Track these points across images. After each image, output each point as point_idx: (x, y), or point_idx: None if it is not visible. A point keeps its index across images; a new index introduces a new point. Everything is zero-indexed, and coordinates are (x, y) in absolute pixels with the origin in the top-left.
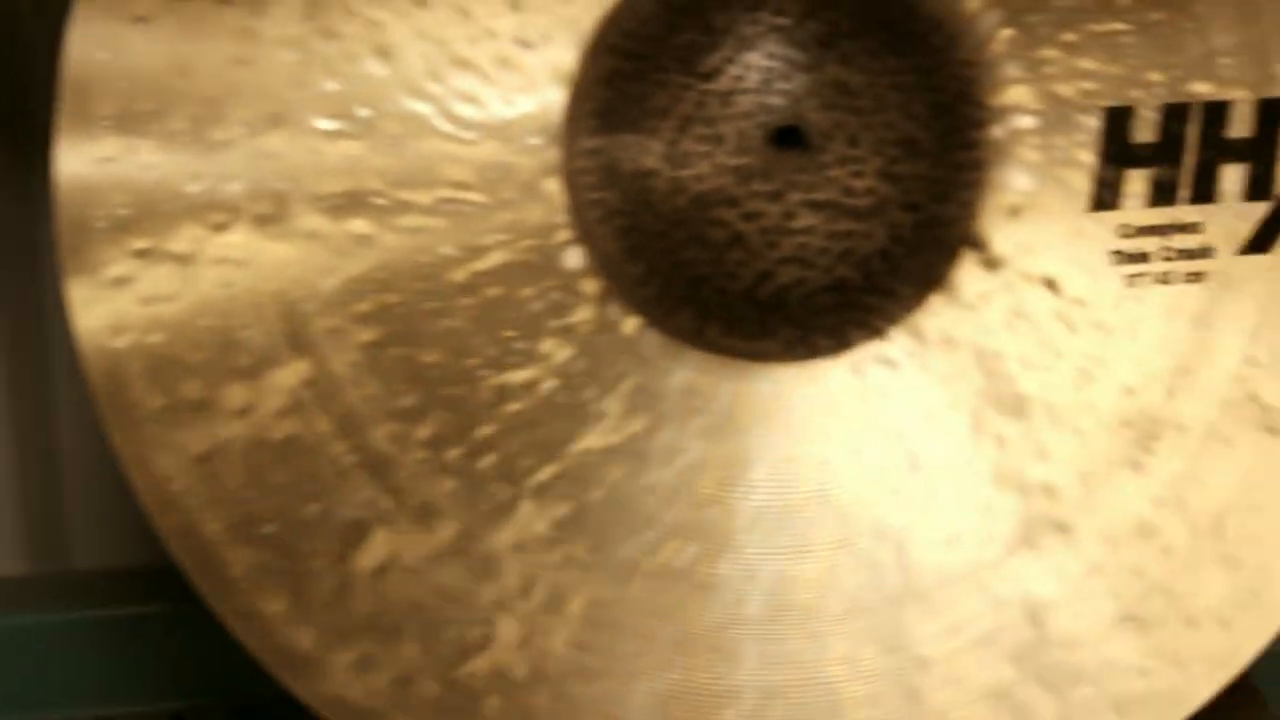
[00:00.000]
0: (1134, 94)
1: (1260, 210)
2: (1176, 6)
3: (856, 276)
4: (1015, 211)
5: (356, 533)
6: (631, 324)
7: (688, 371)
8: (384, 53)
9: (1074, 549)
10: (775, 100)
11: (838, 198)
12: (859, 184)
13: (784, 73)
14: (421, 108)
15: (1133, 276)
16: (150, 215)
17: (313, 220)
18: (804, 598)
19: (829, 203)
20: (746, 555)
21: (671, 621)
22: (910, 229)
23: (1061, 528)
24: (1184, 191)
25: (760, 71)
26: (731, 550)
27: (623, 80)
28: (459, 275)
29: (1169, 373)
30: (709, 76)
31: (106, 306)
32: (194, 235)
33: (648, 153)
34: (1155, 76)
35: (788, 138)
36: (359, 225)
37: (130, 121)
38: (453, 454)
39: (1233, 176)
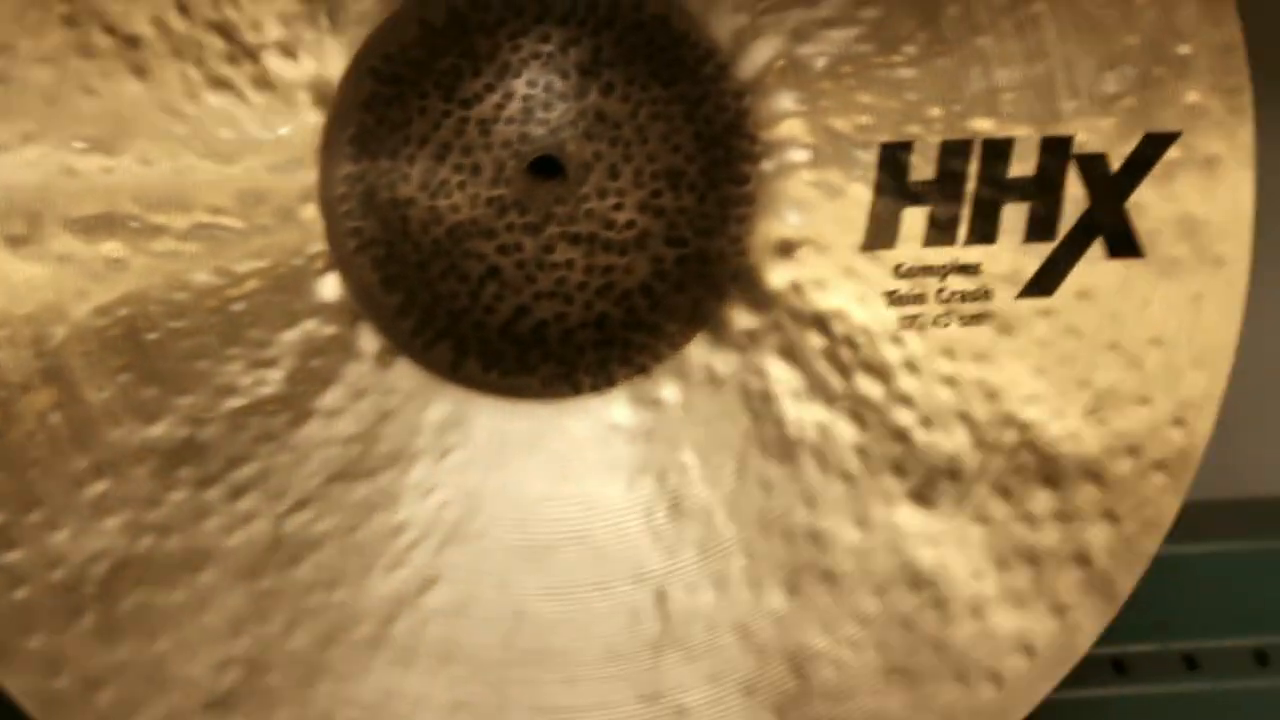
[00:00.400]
0: (912, 129)
1: (1043, 251)
2: (958, 41)
3: (618, 312)
4: (787, 248)
5: (109, 566)
6: (388, 356)
7: (445, 406)
8: (141, 71)
9: (841, 598)
10: (535, 129)
11: (597, 231)
12: (619, 217)
13: (546, 101)
14: (178, 128)
15: (909, 317)
16: None
17: (65, 242)
18: (560, 641)
19: (588, 236)
20: (502, 596)
21: (426, 662)
22: (675, 264)
23: (828, 576)
24: (963, 231)
25: (522, 100)
26: (487, 590)
27: (382, 105)
28: (212, 302)
29: (945, 418)
30: (469, 103)
31: None
32: None
33: (405, 180)
34: (935, 112)
35: (546, 168)
36: (112, 248)
37: None
38: (206, 487)
39: (1014, 216)
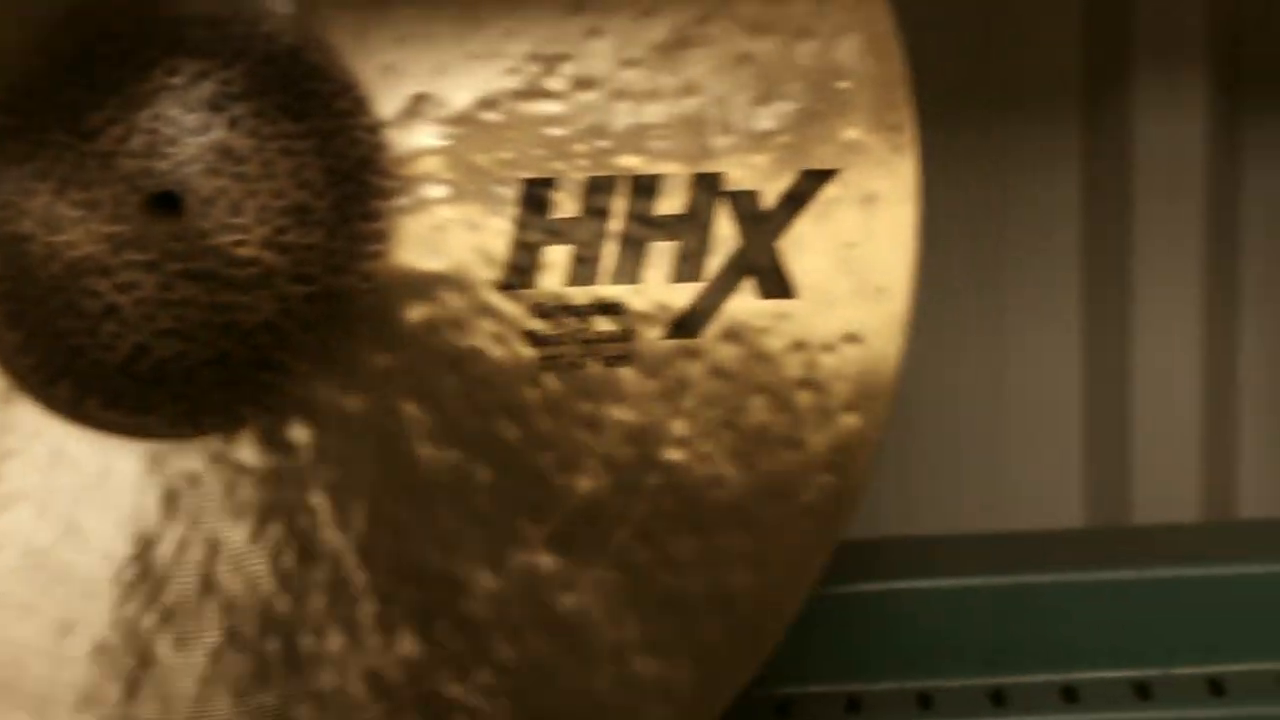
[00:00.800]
0: (556, 166)
1: (691, 291)
2: (608, 77)
3: (243, 351)
4: (422, 286)
5: None
6: (8, 394)
7: (66, 445)
8: None
9: (476, 644)
10: (158, 165)
11: (218, 268)
12: (242, 254)
13: (171, 136)
14: None
15: (549, 358)
16: None
17: None
18: (188, 687)
19: (209, 273)
20: (127, 642)
21: (51, 708)
22: (302, 302)
23: (463, 622)
24: (608, 269)
25: (146, 134)
26: (109, 634)
27: (4, 137)
28: None
29: (586, 461)
30: (90, 137)
31: None
32: None
33: (25, 216)
34: (581, 148)
35: (166, 204)
36: None
37: None
38: None
39: (661, 254)
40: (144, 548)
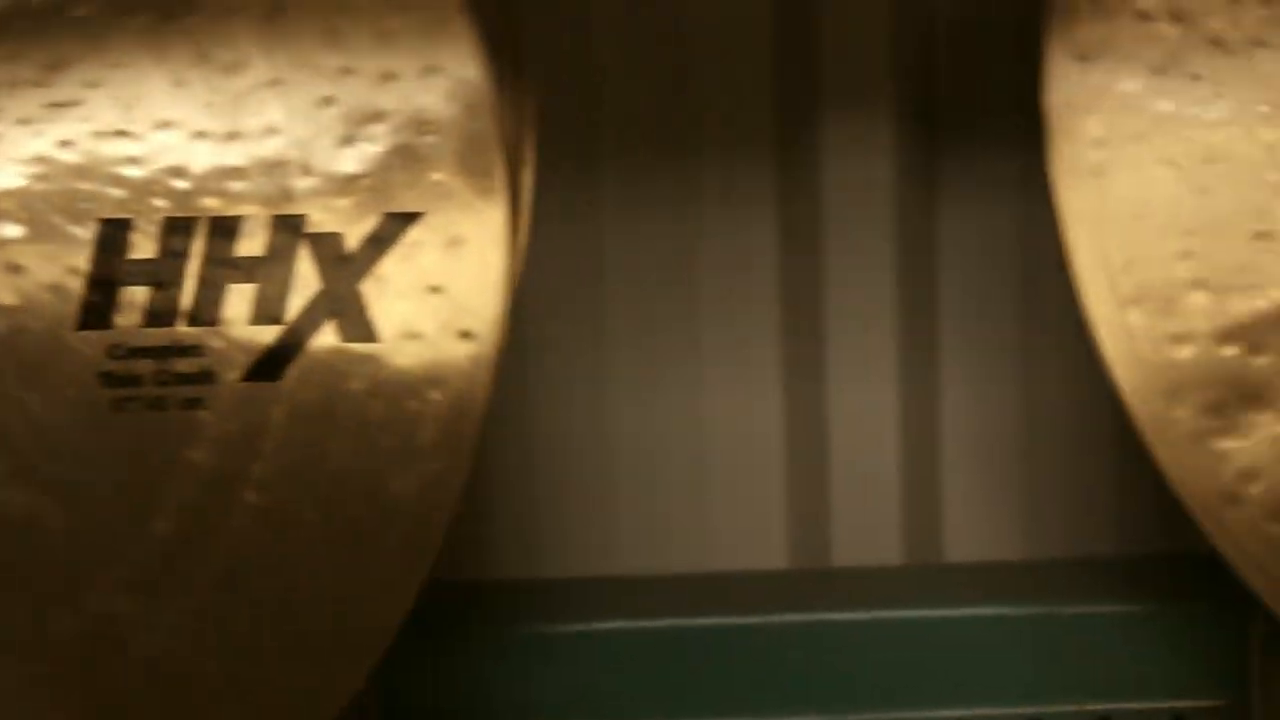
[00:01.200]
0: (134, 206)
1: (270, 334)
2: (184, 117)
3: None
4: None
5: None
6: None
7: None
8: None
9: (54, 688)
10: None
11: None
12: None
13: None
14: None
15: (122, 400)
16: None
17: None
18: None
19: None
20: None
21: None
22: None
23: (40, 663)
24: (184, 311)
25: None
26: None
27: None
28: None
29: (160, 503)
30: None
31: None
32: None
33: None
34: (158, 189)
35: None
36: None
37: None
38: None
39: (240, 297)
40: None
